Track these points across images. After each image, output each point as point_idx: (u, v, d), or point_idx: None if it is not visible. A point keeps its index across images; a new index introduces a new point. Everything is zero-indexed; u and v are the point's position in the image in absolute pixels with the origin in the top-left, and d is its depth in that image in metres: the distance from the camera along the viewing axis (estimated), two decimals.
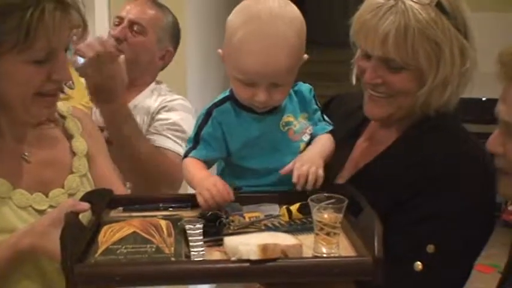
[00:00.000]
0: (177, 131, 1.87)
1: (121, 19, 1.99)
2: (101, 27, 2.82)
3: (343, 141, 1.47)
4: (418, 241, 1.26)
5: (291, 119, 1.36)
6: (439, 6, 1.28)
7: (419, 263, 1.25)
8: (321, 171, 1.30)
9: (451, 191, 1.28)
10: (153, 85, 2.03)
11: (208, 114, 1.35)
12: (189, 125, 1.85)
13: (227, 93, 1.37)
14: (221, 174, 1.40)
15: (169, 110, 1.92)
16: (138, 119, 1.87)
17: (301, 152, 1.36)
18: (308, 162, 1.30)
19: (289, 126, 1.36)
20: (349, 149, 1.48)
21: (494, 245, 2.32)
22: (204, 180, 1.27)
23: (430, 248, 1.25)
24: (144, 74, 2.01)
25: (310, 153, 1.34)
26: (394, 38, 1.26)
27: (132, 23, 1.96)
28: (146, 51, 1.98)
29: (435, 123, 1.35)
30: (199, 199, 1.25)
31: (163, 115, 1.90)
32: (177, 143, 1.85)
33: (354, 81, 1.43)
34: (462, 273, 1.32)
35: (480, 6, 3.44)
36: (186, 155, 1.37)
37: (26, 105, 1.27)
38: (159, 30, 1.99)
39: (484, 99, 2.96)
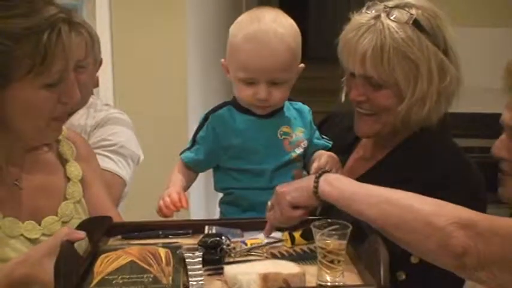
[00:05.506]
0: (107, 146, 1.80)
1: None
2: (101, 34, 2.74)
3: None
4: (403, 252, 1.23)
5: (289, 130, 1.43)
6: (417, 24, 1.33)
7: (402, 272, 1.27)
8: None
9: None
10: (89, 101, 1.93)
11: (205, 119, 1.43)
12: (122, 137, 1.83)
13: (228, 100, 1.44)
14: (214, 178, 1.46)
15: (102, 125, 1.86)
16: None
17: (292, 160, 1.41)
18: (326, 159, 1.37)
19: (285, 136, 1.42)
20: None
21: None
22: (167, 188, 1.35)
23: (415, 259, 1.24)
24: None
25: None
26: (371, 56, 1.31)
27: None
28: (93, 78, 1.92)
29: (420, 140, 1.39)
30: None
31: (98, 133, 1.84)
32: (108, 157, 1.78)
33: (343, 98, 1.48)
34: (446, 285, 1.31)
35: (491, 22, 3.41)
36: (181, 154, 1.45)
37: (41, 131, 1.24)
38: (93, 53, 1.87)
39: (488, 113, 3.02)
